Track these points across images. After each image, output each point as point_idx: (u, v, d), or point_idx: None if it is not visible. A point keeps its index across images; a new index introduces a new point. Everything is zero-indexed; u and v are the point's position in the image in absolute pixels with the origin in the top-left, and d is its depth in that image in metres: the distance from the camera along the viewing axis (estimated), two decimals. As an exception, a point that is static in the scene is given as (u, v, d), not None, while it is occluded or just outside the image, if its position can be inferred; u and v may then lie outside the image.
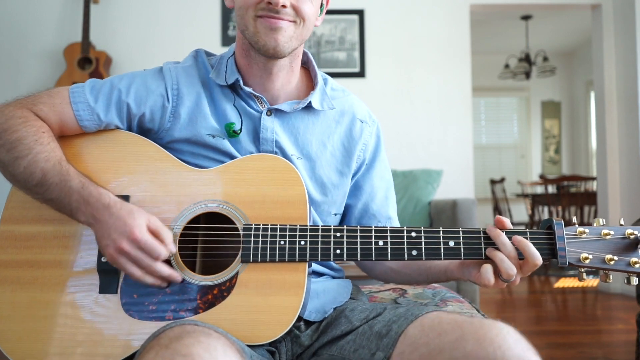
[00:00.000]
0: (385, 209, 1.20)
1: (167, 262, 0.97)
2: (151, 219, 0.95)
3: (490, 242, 0.96)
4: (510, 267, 0.93)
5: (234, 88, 1.10)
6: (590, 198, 5.67)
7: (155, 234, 0.94)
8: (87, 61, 3.84)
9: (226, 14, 4.07)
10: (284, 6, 0.99)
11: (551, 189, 6.41)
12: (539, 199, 6.38)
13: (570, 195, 5.90)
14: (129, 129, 1.09)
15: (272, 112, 1.10)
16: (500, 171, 8.12)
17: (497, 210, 6.97)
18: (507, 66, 7.11)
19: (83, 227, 1.01)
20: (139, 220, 0.94)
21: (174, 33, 4.04)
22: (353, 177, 1.18)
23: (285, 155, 1.09)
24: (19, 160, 0.98)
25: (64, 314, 0.97)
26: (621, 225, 0.98)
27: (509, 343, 0.81)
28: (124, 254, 0.93)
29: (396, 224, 1.23)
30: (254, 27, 1.01)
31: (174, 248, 0.96)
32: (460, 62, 4.18)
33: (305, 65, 1.18)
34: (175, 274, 0.95)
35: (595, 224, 0.98)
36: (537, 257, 0.93)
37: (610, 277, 0.96)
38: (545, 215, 6.71)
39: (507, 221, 0.97)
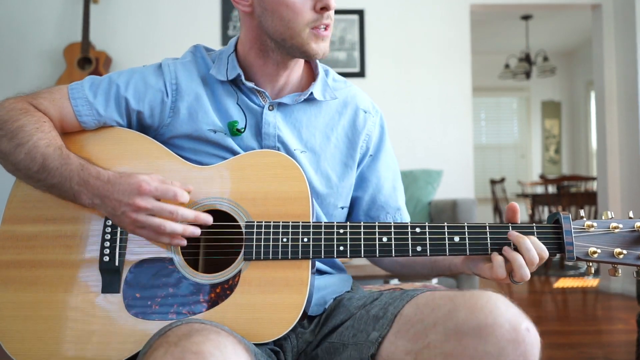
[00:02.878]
0: (394, 200, 1.20)
1: (169, 262, 0.97)
2: (152, 174, 0.97)
3: (498, 239, 0.95)
4: (526, 274, 0.91)
5: (235, 83, 1.10)
6: (590, 198, 5.67)
7: (160, 190, 0.95)
8: (87, 61, 3.84)
9: (226, 14, 4.06)
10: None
11: (551, 189, 6.41)
12: (539, 199, 6.38)
13: (570, 195, 5.91)
14: (129, 125, 1.09)
15: (274, 106, 1.10)
16: (500, 171, 8.12)
17: (497, 210, 6.97)
18: (507, 66, 7.11)
19: (84, 227, 1.01)
20: (141, 176, 0.95)
21: (174, 33, 4.03)
22: (357, 167, 1.17)
23: (288, 149, 1.09)
24: (20, 148, 0.98)
25: (67, 314, 0.97)
26: (630, 218, 0.96)
27: (500, 309, 0.81)
28: (142, 210, 0.93)
29: (405, 214, 1.22)
30: (305, 38, 1.03)
31: (190, 186, 0.97)
32: (460, 62, 4.18)
33: None
34: (201, 215, 0.95)
35: (603, 217, 0.96)
36: (544, 251, 0.93)
37: (619, 271, 0.95)
38: (546, 216, 6.70)
39: (517, 211, 0.96)
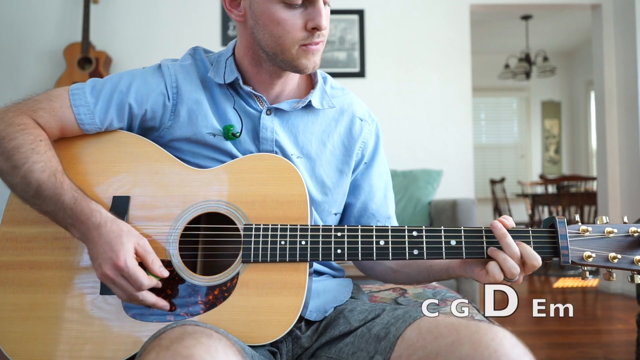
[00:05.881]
0: (385, 209, 1.20)
1: (167, 264, 0.97)
2: (140, 242, 0.95)
3: (493, 242, 0.96)
4: (513, 267, 0.92)
5: (232, 87, 1.10)
6: (590, 198, 5.66)
7: (142, 258, 0.94)
8: (87, 61, 3.84)
9: (226, 14, 4.06)
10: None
11: (551, 189, 6.40)
12: (539, 199, 6.38)
13: (570, 195, 5.90)
14: (130, 129, 1.09)
15: (271, 111, 1.10)
16: (500, 171, 8.11)
17: (497, 210, 6.97)
18: (507, 66, 7.10)
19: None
20: (127, 245, 0.93)
21: (174, 33, 4.03)
22: (351, 174, 1.17)
23: (285, 154, 1.09)
24: (16, 170, 0.97)
25: (65, 315, 0.97)
26: (625, 222, 0.97)
27: (505, 348, 0.81)
28: (108, 279, 0.93)
29: (395, 223, 1.22)
30: (295, 54, 1.02)
31: (165, 272, 0.96)
32: (460, 62, 4.18)
33: None
34: (161, 302, 0.95)
35: (598, 222, 0.97)
36: (536, 259, 0.93)
37: (614, 275, 0.95)
38: (546, 216, 6.70)
39: (508, 221, 0.96)
